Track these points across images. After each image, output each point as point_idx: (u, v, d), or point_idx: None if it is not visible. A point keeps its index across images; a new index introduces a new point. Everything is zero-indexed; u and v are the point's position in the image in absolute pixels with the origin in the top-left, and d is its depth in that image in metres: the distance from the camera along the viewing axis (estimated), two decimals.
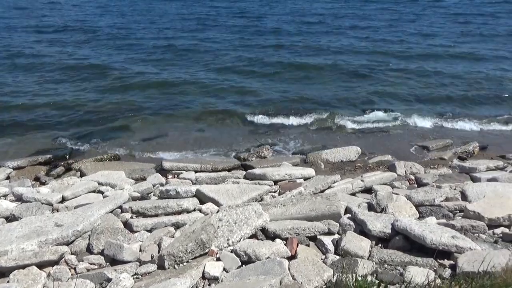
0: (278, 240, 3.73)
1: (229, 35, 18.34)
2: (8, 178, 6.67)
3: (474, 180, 5.96)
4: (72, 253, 3.75)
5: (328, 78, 12.25)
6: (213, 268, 3.30)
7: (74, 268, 3.54)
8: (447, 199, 4.80)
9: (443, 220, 4.18)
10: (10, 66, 13.59)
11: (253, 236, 3.79)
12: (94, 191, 5.48)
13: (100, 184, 5.71)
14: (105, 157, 7.45)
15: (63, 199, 5.11)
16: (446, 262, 3.34)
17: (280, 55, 14.91)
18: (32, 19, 22.74)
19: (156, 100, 10.51)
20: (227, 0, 30.51)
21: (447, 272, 3.21)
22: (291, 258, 3.48)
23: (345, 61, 14.13)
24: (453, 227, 3.83)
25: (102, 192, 5.43)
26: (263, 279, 3.04)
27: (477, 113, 9.81)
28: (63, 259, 3.60)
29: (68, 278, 3.38)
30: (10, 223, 4.18)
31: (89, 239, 3.88)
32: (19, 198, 5.21)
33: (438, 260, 3.34)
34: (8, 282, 3.23)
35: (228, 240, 3.63)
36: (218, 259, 3.46)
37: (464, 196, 4.90)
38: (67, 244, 3.85)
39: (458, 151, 7.53)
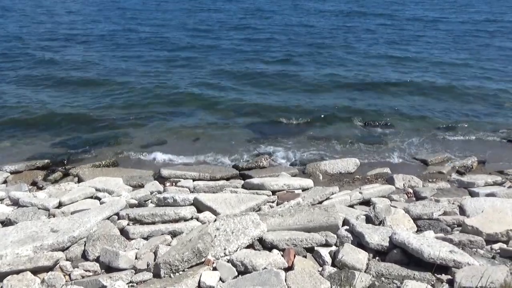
0: (275, 251, 3.71)
1: (229, 45, 18.42)
2: (5, 182, 6.65)
3: (473, 195, 5.96)
4: (67, 259, 3.72)
5: (328, 90, 12.30)
6: (209, 277, 3.27)
7: (69, 275, 3.51)
8: (445, 213, 4.79)
9: (441, 234, 4.16)
10: (10, 72, 13.61)
11: (250, 246, 3.77)
12: (91, 197, 5.46)
13: (97, 190, 5.70)
14: (103, 163, 7.43)
15: (60, 205, 5.08)
16: (444, 276, 3.32)
17: (279, 66, 14.97)
18: (34, 24, 22.85)
19: (155, 108, 10.53)
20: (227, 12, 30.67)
21: (444, 287, 3.19)
22: (288, 269, 3.46)
23: (345, 73, 14.20)
24: (451, 241, 3.82)
25: (99, 198, 5.41)
26: None
27: (476, 128, 9.82)
28: (57, 265, 3.57)
29: (63, 285, 3.34)
30: (6, 228, 4.15)
31: (84, 245, 3.85)
32: (15, 203, 5.18)
33: (435, 274, 3.32)
34: (1, 287, 3.20)
35: (225, 249, 3.61)
36: (214, 269, 3.43)
37: (462, 211, 4.89)
38: (63, 250, 3.82)
39: (456, 166, 7.53)
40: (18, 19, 24.42)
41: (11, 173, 6.92)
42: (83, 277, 3.50)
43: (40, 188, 6.29)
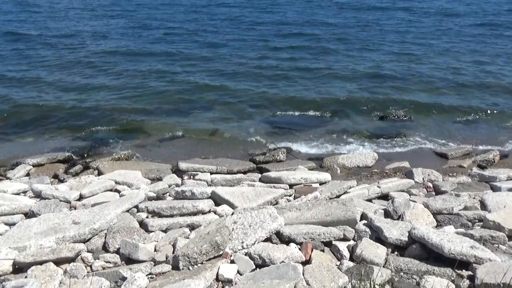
0: (292, 245, 3.71)
1: (242, 40, 18.31)
2: (28, 175, 6.81)
3: (494, 189, 5.83)
4: (88, 251, 3.79)
5: (345, 84, 12.17)
6: (227, 270, 3.29)
7: (90, 266, 3.58)
8: (466, 208, 4.70)
9: (462, 230, 4.09)
10: (31, 66, 13.89)
11: (268, 239, 3.78)
12: (111, 190, 5.54)
13: (117, 183, 5.78)
14: (122, 156, 7.54)
15: (81, 197, 5.18)
16: (464, 272, 3.27)
17: (295, 59, 14.88)
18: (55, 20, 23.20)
19: (173, 103, 10.61)
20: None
21: (465, 283, 3.14)
22: (306, 263, 3.45)
23: (361, 65, 14.03)
24: (472, 236, 3.75)
25: (118, 191, 5.49)
26: (277, 284, 3.03)
27: (499, 121, 9.60)
28: (79, 256, 3.64)
29: (84, 276, 3.41)
30: (29, 219, 4.26)
31: (105, 237, 3.92)
32: (38, 195, 5.30)
33: (456, 270, 3.27)
34: (26, 277, 3.28)
35: (242, 242, 3.62)
36: (232, 262, 3.46)
37: (483, 206, 4.81)
38: (84, 241, 3.89)
39: (477, 159, 7.38)
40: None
41: (34, 166, 7.06)
42: (104, 268, 3.57)
43: (61, 181, 6.41)
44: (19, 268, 3.46)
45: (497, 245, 3.72)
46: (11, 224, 4.38)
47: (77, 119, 9.56)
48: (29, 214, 4.66)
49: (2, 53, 15.49)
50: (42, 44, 17.08)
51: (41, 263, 3.42)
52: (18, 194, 5.46)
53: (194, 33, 19.55)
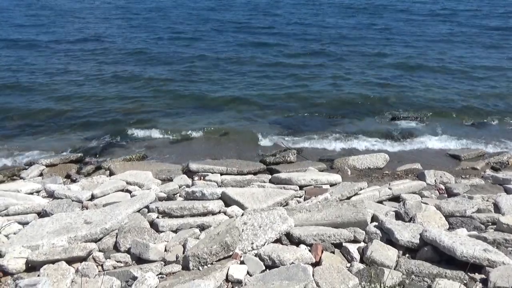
0: (302, 246, 3.70)
1: (252, 43, 18.30)
2: (41, 174, 6.90)
3: (508, 191, 5.75)
4: (99, 250, 3.83)
5: (355, 85, 12.10)
6: (237, 271, 3.30)
7: (101, 265, 3.62)
8: (479, 211, 4.64)
9: (475, 232, 4.04)
10: (43, 67, 14.07)
11: (278, 240, 3.77)
12: (122, 190, 5.58)
13: (128, 183, 5.82)
14: (133, 157, 7.61)
15: (92, 197, 5.23)
16: (477, 276, 3.23)
17: (305, 61, 14.84)
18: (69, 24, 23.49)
19: (184, 104, 10.66)
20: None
21: (478, 287, 3.10)
22: (316, 264, 3.44)
23: (372, 68, 13.93)
24: (485, 239, 3.70)
25: (130, 192, 5.53)
26: (286, 285, 3.02)
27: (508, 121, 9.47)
28: (91, 255, 3.68)
29: (95, 275, 3.45)
30: (42, 219, 4.31)
31: (116, 237, 3.95)
32: (51, 195, 5.36)
33: (468, 273, 3.23)
34: (38, 275, 3.32)
35: (252, 243, 3.62)
36: (242, 263, 3.46)
37: (497, 208, 4.74)
38: (95, 241, 3.93)
39: (491, 161, 7.28)
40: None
41: (47, 166, 7.16)
42: (115, 267, 3.60)
43: (73, 181, 6.48)
44: (32, 267, 3.50)
45: (511, 248, 3.66)
46: (24, 223, 4.44)
47: (90, 120, 9.66)
48: (42, 214, 4.71)
49: (14, 56, 15.73)
50: (55, 48, 17.29)
51: (53, 262, 3.46)
52: (32, 193, 5.54)
53: (200, 37, 19.59)
